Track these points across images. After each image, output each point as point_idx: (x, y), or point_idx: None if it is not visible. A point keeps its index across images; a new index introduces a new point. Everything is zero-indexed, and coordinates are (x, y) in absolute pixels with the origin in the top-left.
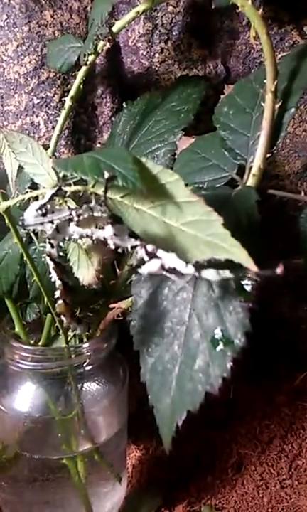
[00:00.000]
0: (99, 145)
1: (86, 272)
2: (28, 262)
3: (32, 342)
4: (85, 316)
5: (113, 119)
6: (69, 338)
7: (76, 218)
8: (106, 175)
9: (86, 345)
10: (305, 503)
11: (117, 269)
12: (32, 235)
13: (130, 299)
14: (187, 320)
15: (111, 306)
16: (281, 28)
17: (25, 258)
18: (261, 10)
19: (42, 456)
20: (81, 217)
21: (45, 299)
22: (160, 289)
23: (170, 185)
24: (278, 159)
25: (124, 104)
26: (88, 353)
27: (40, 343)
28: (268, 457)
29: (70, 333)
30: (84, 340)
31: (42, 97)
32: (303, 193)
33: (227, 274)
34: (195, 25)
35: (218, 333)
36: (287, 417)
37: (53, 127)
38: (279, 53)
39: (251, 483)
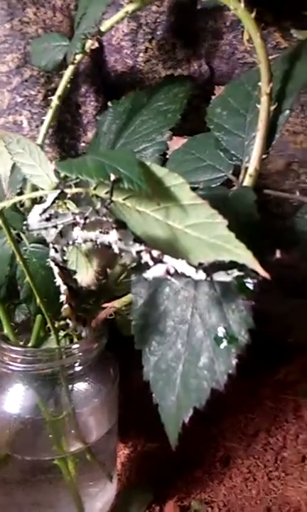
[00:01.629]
0: (83, 144)
1: (85, 274)
2: (20, 262)
3: (21, 343)
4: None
5: (97, 117)
6: (59, 339)
7: (82, 222)
8: (112, 177)
9: (77, 345)
10: (292, 493)
11: (108, 269)
12: (22, 235)
13: (123, 298)
14: (190, 318)
15: (105, 305)
16: (265, 30)
17: (17, 259)
18: (254, 13)
19: (33, 457)
20: (88, 221)
21: (38, 300)
22: (161, 289)
23: (175, 188)
24: None
25: (109, 104)
26: (79, 354)
27: (29, 345)
28: (254, 450)
29: (61, 334)
30: (75, 340)
31: (26, 96)
32: (298, 193)
33: (235, 273)
34: (179, 25)
35: (222, 331)
36: (271, 410)
37: (37, 126)
38: None
39: (239, 476)
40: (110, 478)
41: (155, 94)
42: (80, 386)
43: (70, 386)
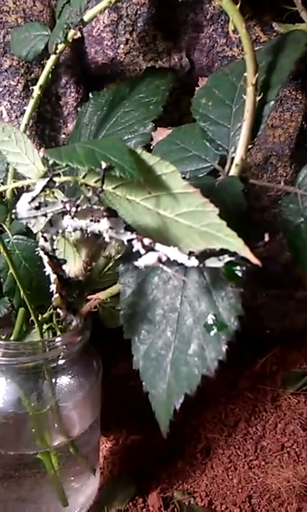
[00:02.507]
0: (63, 135)
1: (73, 264)
2: (5, 255)
3: (3, 337)
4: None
5: (78, 109)
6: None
7: (73, 210)
8: (104, 165)
9: (60, 338)
10: (272, 481)
11: (93, 261)
12: (4, 226)
13: (109, 290)
14: (179, 307)
15: (90, 297)
16: (245, 23)
17: (1, 251)
18: (215, 11)
19: (16, 452)
20: (79, 209)
21: (21, 293)
22: (150, 278)
23: (166, 176)
24: None
25: (90, 95)
26: (62, 347)
27: (12, 338)
28: (234, 440)
29: (44, 327)
30: (58, 333)
31: (5, 86)
32: (282, 183)
33: (227, 258)
34: (159, 18)
35: (211, 318)
36: (250, 400)
37: (17, 116)
38: (242, 48)
39: (221, 466)
40: (93, 472)
41: (137, 86)
42: (63, 380)
43: (53, 380)
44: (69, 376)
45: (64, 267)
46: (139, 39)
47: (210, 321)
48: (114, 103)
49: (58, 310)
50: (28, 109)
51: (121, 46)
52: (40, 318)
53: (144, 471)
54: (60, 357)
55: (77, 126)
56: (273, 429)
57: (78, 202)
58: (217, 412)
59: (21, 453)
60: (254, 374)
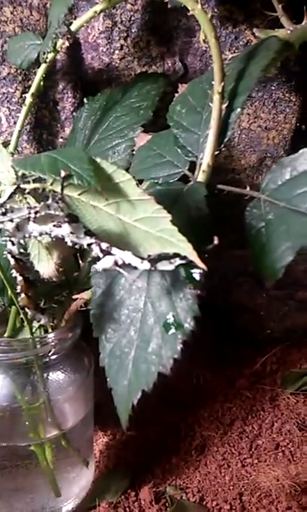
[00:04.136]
0: (61, 140)
1: (46, 266)
2: None
3: None
4: (50, 307)
5: (75, 114)
6: (34, 329)
7: (33, 215)
8: (63, 173)
9: (51, 335)
10: (263, 479)
11: (81, 262)
12: None
13: (91, 290)
14: (143, 307)
15: (75, 297)
16: (236, 28)
17: None
18: (210, 14)
19: (10, 443)
20: (38, 215)
21: (9, 292)
22: (117, 279)
23: (123, 184)
24: (235, 154)
25: (85, 100)
26: (53, 343)
27: (5, 335)
28: (229, 438)
29: (36, 324)
30: (49, 330)
31: (4, 93)
32: (248, 188)
33: (178, 261)
34: (153, 23)
35: (170, 319)
36: (248, 399)
37: (15, 122)
38: (234, 52)
39: (214, 463)
40: (86, 464)
41: (129, 91)
42: (55, 375)
43: (45, 375)
44: (61, 371)
45: (37, 268)
46: (133, 45)
47: (169, 321)
48: (107, 108)
49: (26, 309)
50: (21, 116)
51: (116, 52)
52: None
53: (138, 465)
54: (51, 353)
55: (72, 130)
56: (269, 428)
57: (37, 208)
58: (214, 410)
59: (15, 444)
60: (253, 373)
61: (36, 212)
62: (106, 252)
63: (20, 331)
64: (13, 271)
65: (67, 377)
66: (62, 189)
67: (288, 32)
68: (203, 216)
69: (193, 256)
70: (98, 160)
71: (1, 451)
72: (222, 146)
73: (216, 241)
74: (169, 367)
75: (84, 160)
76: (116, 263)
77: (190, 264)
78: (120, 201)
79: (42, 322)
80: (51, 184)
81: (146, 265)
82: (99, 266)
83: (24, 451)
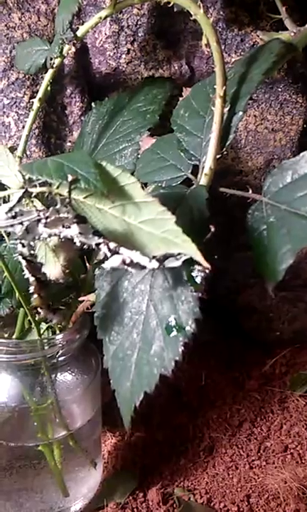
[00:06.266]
0: (69, 144)
1: (53, 268)
2: None
3: (6, 335)
4: (57, 308)
5: (82, 118)
6: (42, 331)
7: (44, 219)
8: (70, 177)
9: (59, 336)
10: (271, 481)
11: (87, 264)
12: (2, 232)
13: (96, 292)
14: (145, 310)
15: (81, 298)
16: (241, 30)
17: None
18: (216, 16)
19: (19, 443)
20: (48, 219)
21: (17, 294)
22: (121, 282)
23: (128, 187)
24: (242, 156)
25: (92, 104)
26: (61, 345)
27: (14, 336)
28: (238, 440)
29: (44, 326)
30: (57, 332)
31: (12, 98)
32: (251, 191)
33: (183, 257)
34: (159, 27)
35: (172, 321)
36: (256, 401)
37: (24, 127)
38: (240, 54)
39: (222, 465)
40: (94, 465)
41: (136, 96)
42: (63, 376)
43: (53, 376)
44: (69, 372)
45: (44, 270)
46: (140, 49)
47: (171, 323)
48: (114, 112)
49: (39, 310)
50: (29, 121)
51: (123, 56)
52: (38, 318)
53: (147, 466)
54: (59, 354)
55: (80, 134)
56: (278, 430)
57: (47, 213)
58: (223, 412)
59: (24, 444)
60: (262, 375)
61: (47, 217)
62: (114, 252)
63: (29, 333)
64: (25, 272)
65: (75, 378)
66: (69, 193)
67: (292, 34)
68: (204, 219)
69: (198, 256)
70: (103, 164)
71: (9, 452)
72: (224, 149)
73: (213, 228)
74: (171, 369)
75: (89, 164)
76: (124, 262)
77: (192, 266)
78: (125, 204)
79: (54, 322)
80: (57, 187)
81: (155, 264)
82: (107, 265)
83: (32, 452)
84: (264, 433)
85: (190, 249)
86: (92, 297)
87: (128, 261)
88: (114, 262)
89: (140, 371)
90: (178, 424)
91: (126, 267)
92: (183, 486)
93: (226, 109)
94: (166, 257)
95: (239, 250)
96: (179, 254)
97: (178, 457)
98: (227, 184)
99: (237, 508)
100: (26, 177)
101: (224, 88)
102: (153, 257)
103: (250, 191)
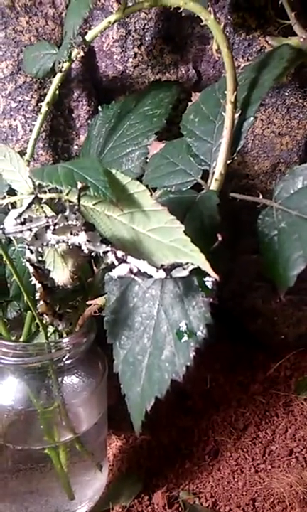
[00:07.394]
0: (76, 147)
1: (61, 273)
2: (8, 262)
3: (13, 338)
4: (65, 312)
5: (89, 121)
6: (49, 334)
7: (52, 226)
8: (79, 185)
9: (66, 340)
10: (276, 485)
11: (94, 268)
12: (11, 236)
13: (105, 296)
14: (156, 315)
15: (89, 302)
16: (249, 35)
17: (4, 259)
18: (223, 21)
19: (25, 446)
20: (57, 226)
21: (25, 298)
22: (131, 287)
23: (137, 195)
24: (248, 159)
25: (99, 108)
26: (68, 348)
27: (21, 339)
28: (243, 443)
29: (51, 329)
30: (64, 335)
31: (20, 101)
32: (262, 194)
33: (190, 266)
34: (166, 31)
35: (183, 326)
36: (261, 405)
37: (31, 130)
38: (248, 58)
39: (227, 469)
40: (100, 468)
41: (143, 99)
42: (70, 379)
43: (60, 379)
44: (76, 375)
45: (53, 276)
46: (147, 52)
47: (182, 329)
48: (121, 116)
49: (45, 316)
50: (37, 124)
51: (130, 60)
52: (44, 321)
53: (152, 470)
54: (66, 357)
55: (87, 138)
56: (283, 433)
57: (56, 220)
58: (228, 416)
59: (30, 447)
60: (267, 379)
61: (55, 224)
62: (122, 260)
63: (36, 336)
64: (32, 278)
65: (82, 382)
66: (78, 200)
67: (301, 40)
68: (215, 224)
69: (206, 266)
70: (113, 171)
71: (16, 454)
72: (235, 155)
73: (220, 238)
74: (182, 374)
75: (99, 171)
76: (131, 271)
77: (202, 273)
78: (134, 211)
79: (59, 327)
80: (67, 194)
81: (162, 274)
82: (114, 273)
83: (39, 455)
84: (269, 436)
85: (198, 258)
86: (99, 301)
87: (135, 270)
88: (121, 270)
89: (151, 376)
90: (183, 428)
91: (133, 276)
92: (189, 490)
93: (237, 115)
94: (174, 266)
95: (244, 253)
96: (187, 263)
97: (183, 460)
98: (233, 188)
99: (242, 511)
100: (36, 183)
101: (235, 94)
102: (161, 266)
103: (260, 196)
